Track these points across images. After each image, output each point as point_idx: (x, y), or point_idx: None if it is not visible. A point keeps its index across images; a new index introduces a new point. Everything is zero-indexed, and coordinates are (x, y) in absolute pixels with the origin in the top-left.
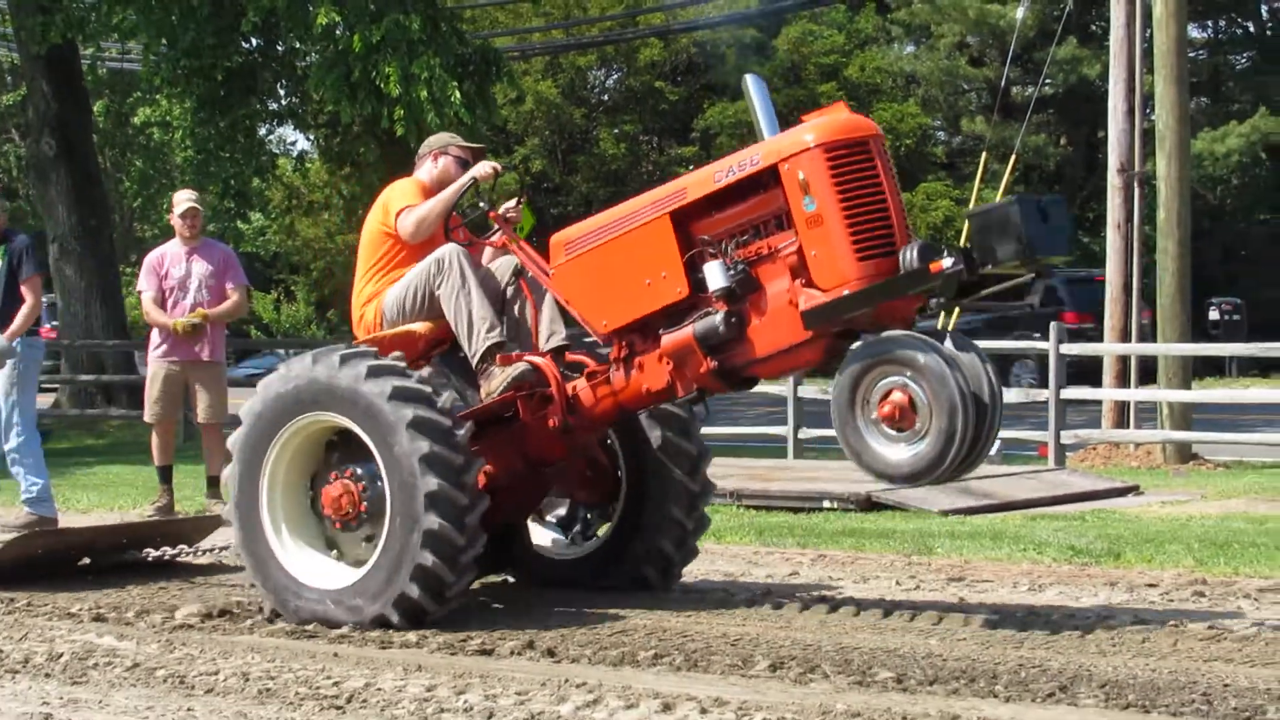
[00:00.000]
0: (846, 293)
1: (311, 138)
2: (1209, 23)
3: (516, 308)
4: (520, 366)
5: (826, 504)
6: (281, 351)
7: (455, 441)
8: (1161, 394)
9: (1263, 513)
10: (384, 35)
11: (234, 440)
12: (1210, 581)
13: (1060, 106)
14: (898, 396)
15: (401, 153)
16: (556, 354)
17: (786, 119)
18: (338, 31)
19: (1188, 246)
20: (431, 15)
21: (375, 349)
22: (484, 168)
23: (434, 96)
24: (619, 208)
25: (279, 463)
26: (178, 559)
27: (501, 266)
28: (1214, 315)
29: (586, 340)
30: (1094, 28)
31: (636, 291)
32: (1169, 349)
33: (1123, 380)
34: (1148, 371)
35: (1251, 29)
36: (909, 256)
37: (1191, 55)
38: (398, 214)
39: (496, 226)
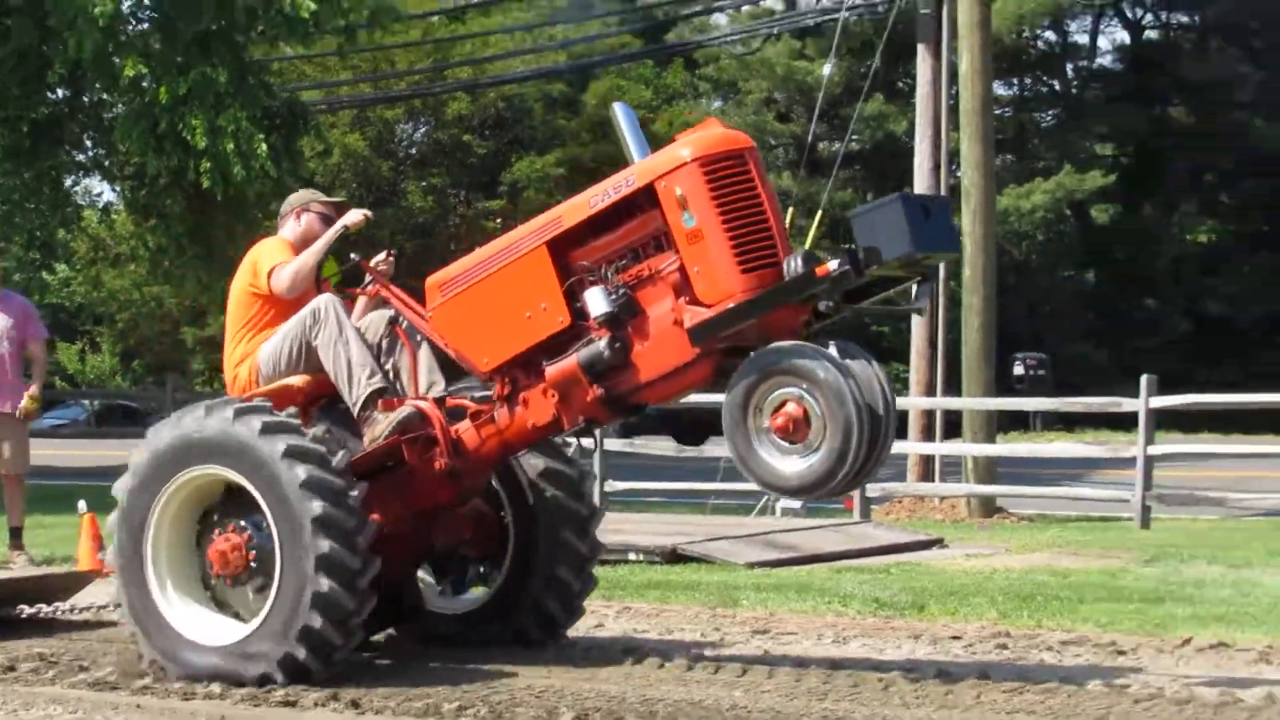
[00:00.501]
0: (731, 305)
1: (117, 189)
2: (1014, 80)
3: (393, 359)
4: (404, 409)
5: (632, 556)
6: (85, 402)
7: (348, 503)
8: (966, 448)
9: (1065, 566)
10: (191, 87)
11: (119, 490)
12: (1014, 634)
13: (867, 162)
14: (791, 408)
15: (207, 205)
16: (437, 403)
17: (595, 174)
18: (144, 83)
19: (993, 302)
20: (239, 68)
21: (269, 403)
22: (354, 215)
23: (240, 149)
24: (495, 243)
25: (164, 515)
26: (52, 615)
27: (374, 321)
28: (1019, 370)
29: (462, 386)
30: (900, 84)
31: (517, 325)
32: (973, 403)
33: (928, 434)
34: (952, 425)
35: (1057, 86)
36: (793, 265)
37: (997, 112)
38: (269, 272)
39: (369, 277)
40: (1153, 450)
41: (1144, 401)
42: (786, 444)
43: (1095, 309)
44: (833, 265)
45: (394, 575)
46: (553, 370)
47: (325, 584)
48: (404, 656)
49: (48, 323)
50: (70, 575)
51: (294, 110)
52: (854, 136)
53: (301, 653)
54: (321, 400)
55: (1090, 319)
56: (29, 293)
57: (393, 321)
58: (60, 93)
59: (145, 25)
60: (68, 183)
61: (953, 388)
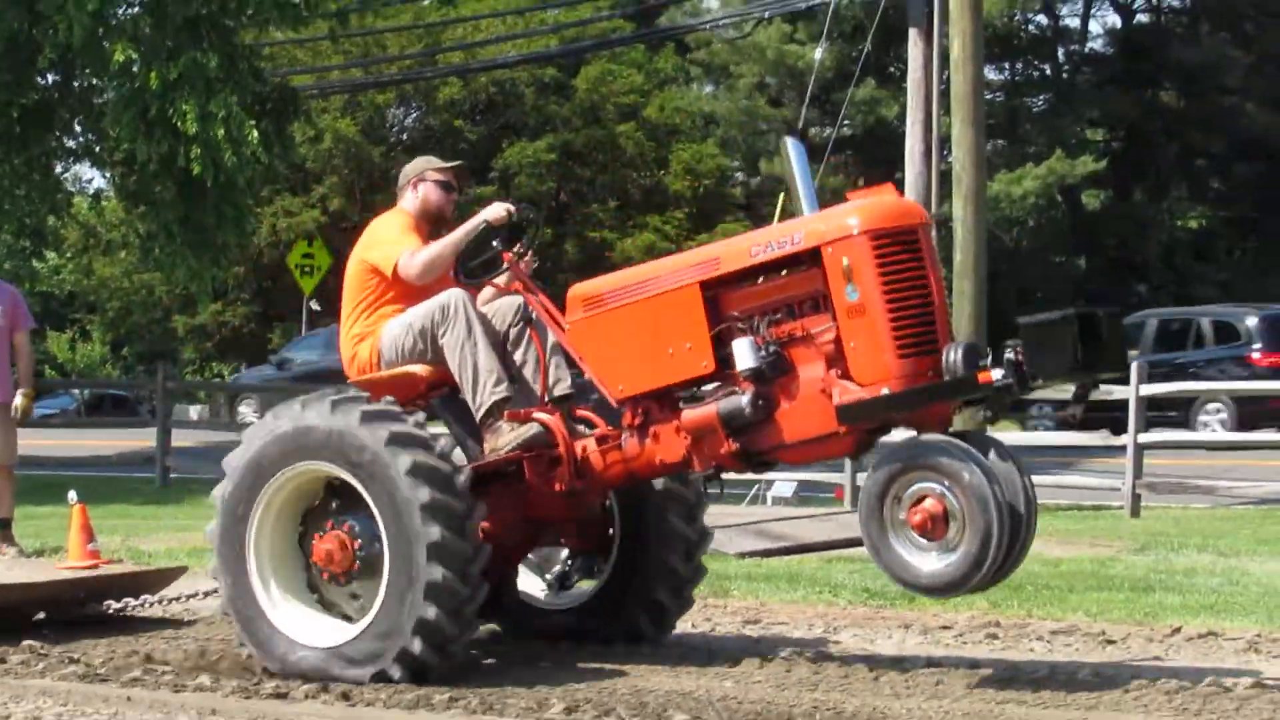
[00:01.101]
0: (886, 391)
1: (108, 175)
2: (1006, 65)
3: (519, 352)
4: (532, 429)
5: None
6: (75, 392)
7: (456, 488)
8: None
9: (1056, 555)
10: (181, 73)
11: (219, 494)
12: (1004, 624)
13: (858, 147)
14: (931, 504)
15: (198, 191)
16: (561, 401)
17: (584, 157)
18: (134, 68)
19: (984, 288)
20: (229, 53)
21: (367, 393)
22: (497, 210)
23: (231, 135)
24: (645, 267)
25: (267, 516)
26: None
27: (503, 308)
28: (1009, 357)
29: (593, 396)
30: (892, 69)
31: (658, 360)
32: None
33: None
34: None
35: (1048, 71)
36: (953, 358)
37: (989, 97)
38: (399, 257)
39: (506, 266)
40: (1143, 438)
41: (1134, 389)
42: (923, 540)
43: (1086, 295)
44: (996, 375)
45: (499, 568)
46: (690, 415)
47: (438, 572)
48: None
49: (36, 311)
50: (161, 571)
51: (285, 95)
52: (845, 121)
53: (418, 646)
54: (443, 389)
55: (1081, 306)
56: (19, 281)
57: (526, 319)
58: (50, 78)
59: (135, 9)
60: (58, 169)
61: None
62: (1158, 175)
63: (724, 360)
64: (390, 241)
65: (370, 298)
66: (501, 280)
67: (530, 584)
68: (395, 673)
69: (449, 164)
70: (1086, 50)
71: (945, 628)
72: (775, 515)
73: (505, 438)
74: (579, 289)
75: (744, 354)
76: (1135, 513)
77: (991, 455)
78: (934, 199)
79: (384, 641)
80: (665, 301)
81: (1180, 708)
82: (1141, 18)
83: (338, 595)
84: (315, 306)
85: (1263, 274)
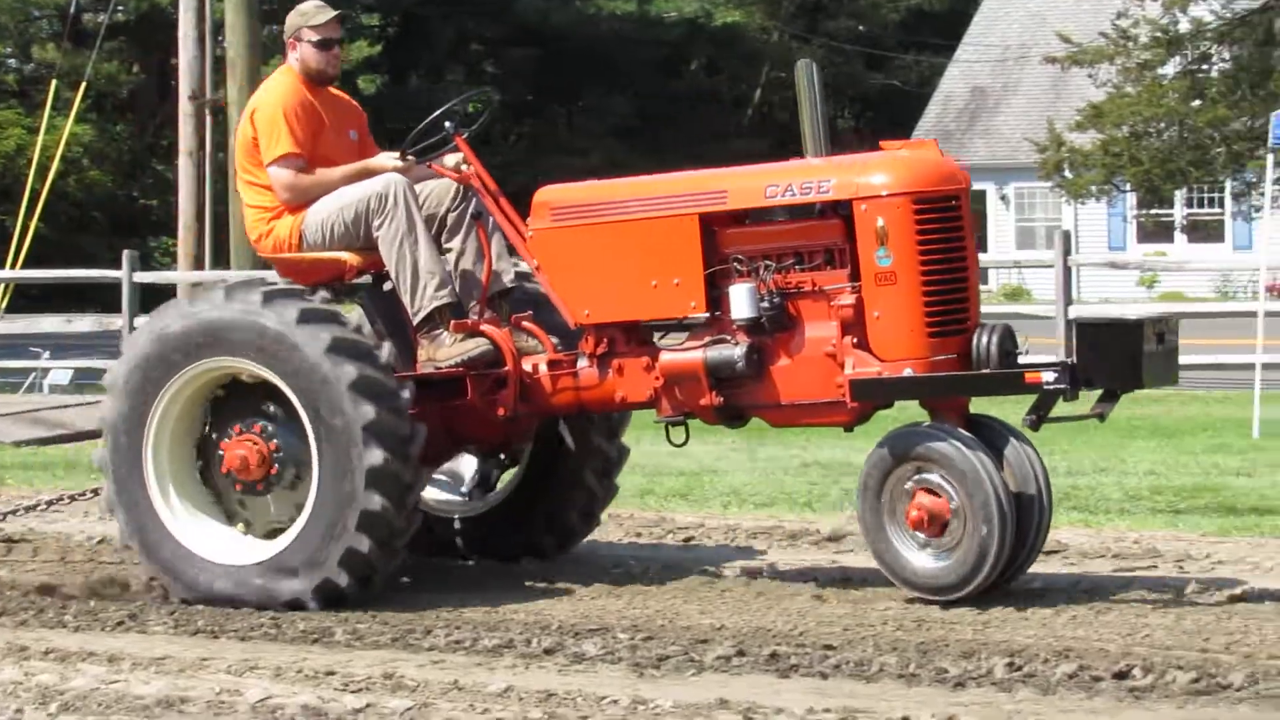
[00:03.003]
0: (909, 372)
1: None
2: None
3: (457, 240)
4: (480, 345)
5: None
6: None
7: (401, 407)
8: None
9: None
10: None
11: (112, 381)
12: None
13: (132, 34)
14: (930, 501)
15: None
16: (503, 296)
17: None
18: None
19: None
20: None
21: (303, 288)
22: (386, 161)
23: None
24: (634, 183)
25: (168, 414)
26: None
27: (438, 191)
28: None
29: (533, 306)
30: None
31: (639, 292)
32: (238, 276)
33: None
34: None
35: None
36: (984, 343)
37: None
38: (271, 162)
39: (460, 157)
40: None
41: None
42: (921, 537)
43: None
44: (1048, 377)
45: None
46: (671, 359)
47: (376, 501)
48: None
49: None
50: None
51: None
52: (119, 7)
53: (343, 579)
54: (366, 277)
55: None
56: None
57: (476, 215)
58: None
59: None
60: None
61: (222, 260)
62: (433, 59)
63: (715, 303)
64: (278, 118)
65: (259, 162)
66: (450, 162)
67: (431, 492)
68: (311, 603)
69: (324, 18)
70: None
71: None
72: (49, 401)
73: (447, 350)
74: (547, 193)
75: (742, 301)
76: None
77: (1007, 446)
78: (208, 84)
79: (303, 568)
80: (658, 229)
81: None
82: None
83: (245, 507)
84: None
85: (534, 157)
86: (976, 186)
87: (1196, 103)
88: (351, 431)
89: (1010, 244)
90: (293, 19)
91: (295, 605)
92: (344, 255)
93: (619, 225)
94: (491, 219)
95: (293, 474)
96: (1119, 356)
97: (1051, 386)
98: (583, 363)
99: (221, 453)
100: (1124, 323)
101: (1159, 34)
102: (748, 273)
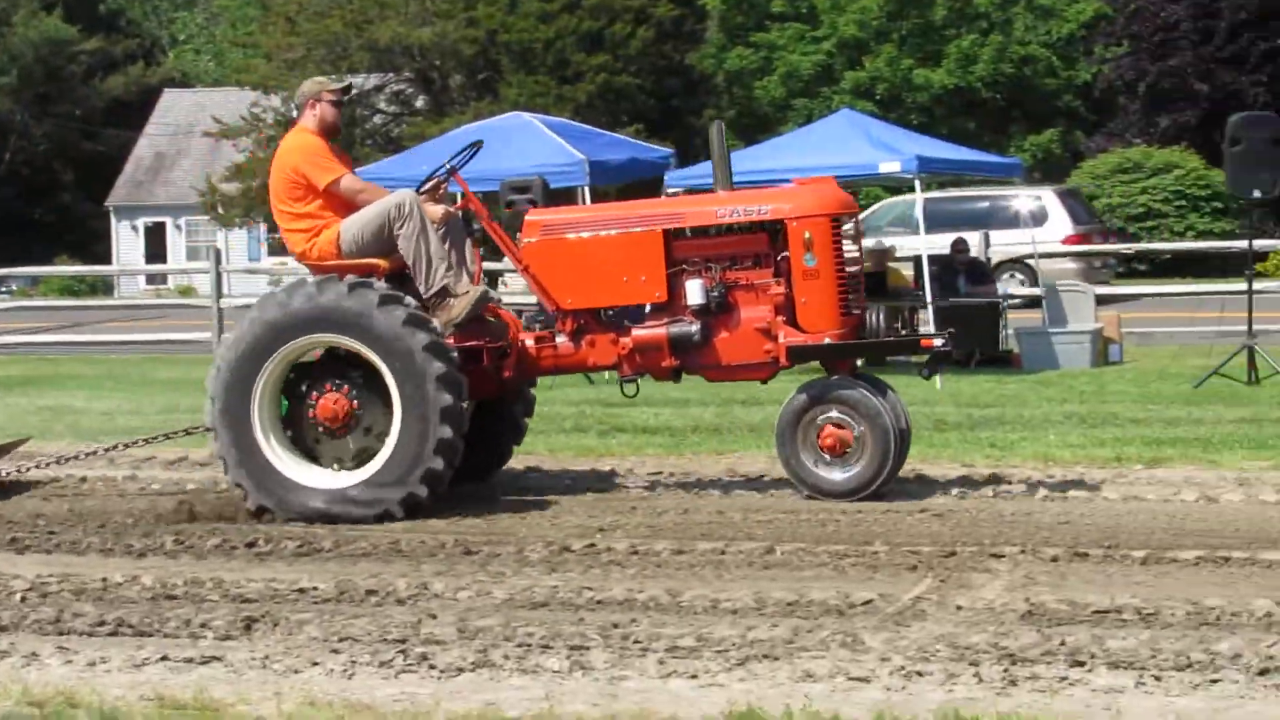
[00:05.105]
0: (828, 341)
1: None
2: None
3: (447, 246)
4: (479, 290)
5: None
6: None
7: (457, 362)
8: None
9: None
10: None
11: (224, 357)
12: None
13: None
14: (839, 431)
15: None
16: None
17: None
18: None
19: None
20: None
21: (371, 279)
22: (434, 210)
23: None
24: (609, 208)
25: (269, 379)
26: None
27: (431, 212)
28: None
29: (497, 298)
30: None
31: (613, 284)
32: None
33: None
34: None
35: None
36: (875, 319)
37: None
38: (340, 180)
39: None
40: None
41: None
42: (829, 458)
43: None
44: (938, 342)
45: None
46: (642, 332)
47: (448, 432)
48: None
49: None
50: (4, 445)
51: None
52: None
53: (423, 492)
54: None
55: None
56: None
57: (468, 220)
58: None
59: None
60: None
61: None
62: None
63: (673, 293)
64: (319, 158)
65: (301, 195)
66: (442, 195)
67: None
68: (399, 513)
69: (340, 84)
70: None
71: None
72: None
73: (457, 309)
74: (540, 215)
75: (695, 291)
76: None
77: (888, 394)
78: None
79: (393, 485)
80: (628, 241)
81: None
82: None
83: (329, 448)
84: None
85: None
86: (160, 219)
87: None
88: (427, 382)
89: (182, 257)
90: (310, 87)
91: (385, 517)
92: (378, 261)
93: (598, 239)
94: (480, 233)
95: (367, 423)
96: (981, 331)
97: (940, 350)
98: (560, 337)
99: (313, 403)
100: (982, 302)
101: (280, 117)
102: (698, 271)
